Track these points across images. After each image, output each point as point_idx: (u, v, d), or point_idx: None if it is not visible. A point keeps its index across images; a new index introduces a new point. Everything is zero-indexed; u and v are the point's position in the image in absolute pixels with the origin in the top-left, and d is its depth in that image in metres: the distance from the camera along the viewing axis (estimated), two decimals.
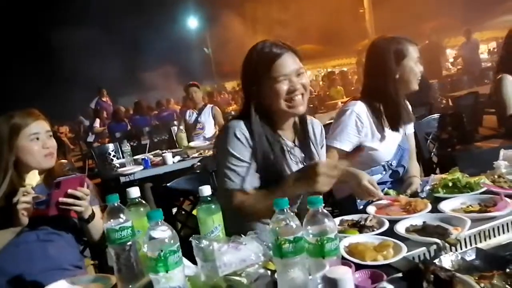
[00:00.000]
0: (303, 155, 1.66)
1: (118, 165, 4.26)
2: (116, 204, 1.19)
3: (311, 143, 1.70)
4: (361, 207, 1.87)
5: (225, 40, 16.26)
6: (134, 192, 1.26)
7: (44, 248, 1.60)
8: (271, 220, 0.99)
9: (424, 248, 1.20)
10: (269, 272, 1.16)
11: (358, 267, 1.11)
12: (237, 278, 1.13)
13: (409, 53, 1.96)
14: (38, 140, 1.64)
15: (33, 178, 1.55)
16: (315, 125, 1.77)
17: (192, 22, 20.36)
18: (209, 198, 1.29)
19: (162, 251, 0.91)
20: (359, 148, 1.78)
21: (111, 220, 1.17)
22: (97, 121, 8.86)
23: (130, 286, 1.14)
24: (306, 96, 1.58)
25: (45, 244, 1.61)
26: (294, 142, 1.67)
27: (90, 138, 8.88)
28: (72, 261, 1.67)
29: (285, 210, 0.98)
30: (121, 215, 1.17)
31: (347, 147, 1.94)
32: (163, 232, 0.93)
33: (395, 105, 1.99)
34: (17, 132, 1.63)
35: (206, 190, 1.29)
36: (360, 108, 1.99)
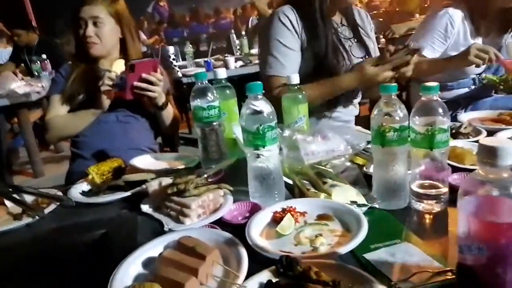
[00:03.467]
0: (351, 33, 1.63)
1: (178, 68, 4.26)
2: (204, 83, 1.16)
3: (358, 26, 1.65)
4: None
5: None
6: (221, 72, 1.22)
7: (124, 128, 1.65)
8: (375, 106, 0.91)
9: None
10: (356, 165, 1.12)
11: (455, 171, 1.03)
12: (323, 167, 1.10)
13: None
14: (83, 26, 1.58)
15: (118, 66, 1.55)
16: (360, 11, 1.72)
17: None
18: (296, 87, 1.23)
19: (261, 125, 0.87)
20: None
21: (199, 99, 1.15)
22: (140, 33, 8.70)
23: (213, 166, 1.14)
24: None
25: (124, 125, 1.66)
26: (341, 22, 1.63)
27: (143, 48, 8.80)
28: (148, 144, 1.72)
29: (392, 95, 0.89)
30: (209, 94, 1.15)
31: (428, 52, 1.76)
32: (263, 106, 0.88)
33: (494, 11, 1.75)
34: (74, 14, 1.60)
35: (295, 78, 1.22)
36: (455, 11, 1.77)
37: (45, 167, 3.86)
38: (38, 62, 4.04)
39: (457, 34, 1.79)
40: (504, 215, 0.52)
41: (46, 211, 1.02)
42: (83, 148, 1.64)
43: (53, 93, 1.66)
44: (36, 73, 3.99)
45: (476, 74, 1.87)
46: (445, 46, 1.79)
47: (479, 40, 1.82)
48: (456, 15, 1.77)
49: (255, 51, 4.41)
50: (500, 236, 0.52)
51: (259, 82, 0.90)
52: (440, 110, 0.86)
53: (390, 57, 1.35)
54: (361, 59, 1.59)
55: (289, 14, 1.50)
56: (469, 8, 1.79)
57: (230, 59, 3.78)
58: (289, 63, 1.50)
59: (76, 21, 1.59)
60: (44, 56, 4.10)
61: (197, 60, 4.21)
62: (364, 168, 1.09)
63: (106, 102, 1.54)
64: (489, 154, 0.50)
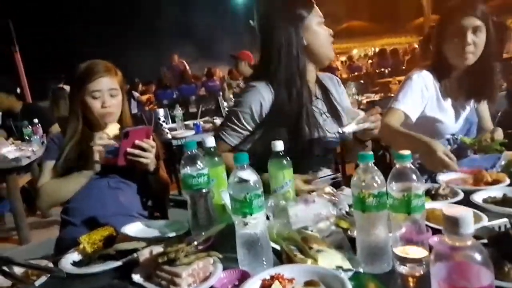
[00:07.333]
0: (325, 107, 1.75)
1: (168, 130, 4.36)
2: (194, 151, 1.22)
3: (331, 96, 1.78)
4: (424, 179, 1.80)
5: None
6: (210, 141, 1.28)
7: (115, 195, 1.68)
8: (354, 173, 0.98)
9: (505, 220, 1.15)
10: (341, 229, 1.16)
11: (436, 232, 1.08)
12: (310, 232, 1.14)
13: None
14: (99, 98, 1.66)
15: (112, 129, 1.60)
16: (330, 77, 1.87)
17: None
18: (281, 153, 1.30)
19: (247, 193, 0.92)
20: None
21: (188, 167, 1.20)
22: (134, 92, 8.96)
23: (203, 232, 1.17)
24: None
25: (115, 191, 1.69)
26: (315, 95, 1.74)
27: (134, 110, 8.52)
28: (138, 210, 1.74)
29: (369, 164, 0.96)
30: (198, 162, 1.20)
31: (411, 111, 1.86)
32: (249, 175, 0.94)
33: (456, 73, 1.89)
34: (81, 85, 1.66)
35: (278, 145, 1.29)
36: (427, 75, 1.91)
37: (32, 233, 3.78)
38: (29, 126, 4.10)
39: (431, 96, 1.91)
40: (471, 280, 0.56)
41: (37, 283, 1.02)
42: (74, 215, 1.65)
43: (46, 160, 1.70)
44: (27, 138, 4.03)
45: (451, 135, 1.97)
46: (422, 106, 1.90)
47: (448, 102, 1.94)
48: (428, 77, 1.90)
49: None
50: None
51: (246, 152, 0.97)
52: (414, 177, 0.92)
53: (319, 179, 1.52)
54: (334, 135, 1.71)
55: (264, 93, 1.61)
56: (434, 69, 1.93)
57: (219, 122, 3.90)
58: (236, 136, 1.65)
59: (86, 92, 1.65)
60: (36, 120, 4.17)
61: (187, 122, 4.32)
62: (349, 232, 1.13)
63: (97, 162, 1.58)
64: (452, 224, 0.56)
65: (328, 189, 1.37)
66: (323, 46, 1.64)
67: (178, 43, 12.70)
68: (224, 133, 1.66)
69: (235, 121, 1.65)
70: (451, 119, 1.95)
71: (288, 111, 1.60)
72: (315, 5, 1.64)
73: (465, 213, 0.56)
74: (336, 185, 1.49)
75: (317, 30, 1.62)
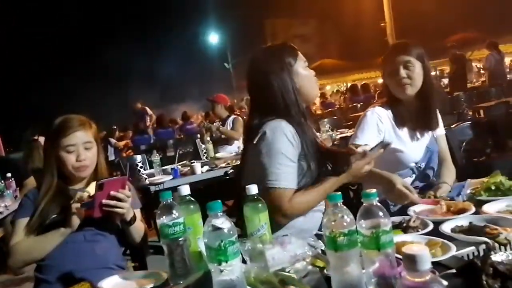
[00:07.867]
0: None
1: (146, 176, 4.33)
2: (169, 201, 1.23)
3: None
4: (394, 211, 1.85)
5: (244, 55, 16.60)
6: (185, 189, 1.30)
7: (91, 248, 1.65)
8: (325, 214, 1.01)
9: (473, 248, 1.20)
10: (317, 268, 1.18)
11: None
12: (287, 274, 1.15)
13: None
14: (73, 152, 1.66)
15: (93, 188, 1.59)
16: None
17: (213, 38, 20.77)
18: (255, 197, 1.33)
19: (222, 241, 0.94)
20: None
21: (164, 216, 1.21)
22: (111, 139, 9.03)
23: (182, 281, 1.17)
24: None
25: (91, 244, 1.66)
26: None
27: (111, 157, 8.53)
28: (116, 261, 1.71)
29: (338, 204, 1.00)
30: (174, 211, 1.21)
31: (370, 144, 1.93)
32: (223, 223, 0.96)
33: (409, 107, 2.02)
34: (55, 140, 1.67)
35: (253, 189, 1.32)
36: (380, 110, 2.03)
37: None
38: (2, 181, 4.00)
39: (388, 128, 2.02)
40: None
41: None
42: (48, 273, 1.60)
43: (19, 218, 1.67)
44: (0, 192, 3.92)
45: (414, 163, 2.04)
46: (381, 138, 1.98)
47: (405, 131, 2.03)
48: (381, 111, 2.03)
49: (220, 155, 4.60)
50: None
51: (219, 201, 1.00)
52: (381, 214, 0.97)
53: (369, 151, 1.60)
54: None
55: (291, 130, 1.61)
56: (386, 103, 2.05)
57: (197, 165, 3.91)
58: (295, 174, 1.60)
59: (60, 147, 1.65)
60: (9, 174, 4.08)
61: (164, 167, 4.31)
62: (325, 271, 1.15)
63: (76, 221, 1.57)
64: (410, 262, 0.60)
65: None
66: (312, 87, 1.74)
67: (147, 88, 12.91)
68: (281, 181, 1.55)
69: (281, 161, 1.56)
70: (410, 148, 2.03)
71: (310, 146, 1.64)
72: (298, 52, 1.73)
73: (421, 251, 0.59)
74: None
75: (304, 73, 1.71)
